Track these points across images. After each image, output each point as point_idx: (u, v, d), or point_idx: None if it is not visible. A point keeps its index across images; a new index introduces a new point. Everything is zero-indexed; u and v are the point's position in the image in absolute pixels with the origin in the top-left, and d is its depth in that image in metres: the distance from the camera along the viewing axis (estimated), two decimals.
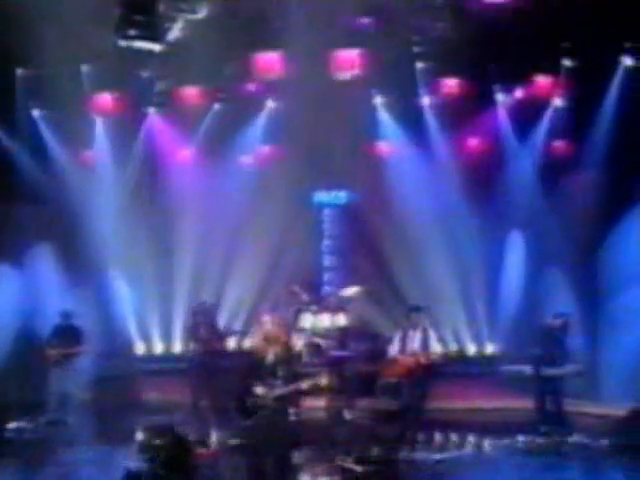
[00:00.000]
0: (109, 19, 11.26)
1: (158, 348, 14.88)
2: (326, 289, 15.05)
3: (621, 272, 12.15)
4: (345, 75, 11.97)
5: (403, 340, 9.92)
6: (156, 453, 7.58)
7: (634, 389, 11.36)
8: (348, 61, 11.77)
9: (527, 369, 10.48)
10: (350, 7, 11.00)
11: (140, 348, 14.79)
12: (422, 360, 9.69)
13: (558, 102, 13.93)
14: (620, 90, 13.28)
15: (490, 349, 14.26)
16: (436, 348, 9.89)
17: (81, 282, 13.30)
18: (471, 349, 14.27)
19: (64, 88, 12.94)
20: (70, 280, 13.29)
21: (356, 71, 11.92)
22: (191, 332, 11.00)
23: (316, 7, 10.98)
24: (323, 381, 7.46)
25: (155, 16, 9.53)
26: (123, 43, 9.66)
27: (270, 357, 7.39)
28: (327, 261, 15.64)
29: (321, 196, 15.72)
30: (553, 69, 13.45)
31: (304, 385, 7.31)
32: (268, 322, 7.49)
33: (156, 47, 9.94)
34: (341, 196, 15.68)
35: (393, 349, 10.01)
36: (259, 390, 7.19)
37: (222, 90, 13.71)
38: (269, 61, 11.95)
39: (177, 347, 14.74)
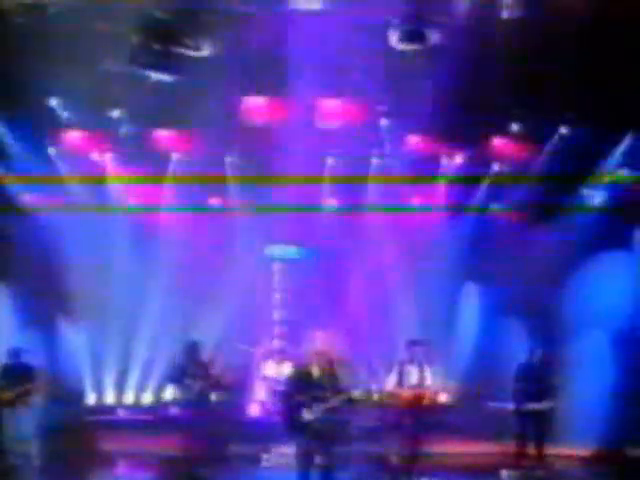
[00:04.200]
0: (85, 54, 11.44)
1: (110, 398, 14.35)
2: (277, 342, 15.15)
3: (578, 319, 12.95)
4: (332, 125, 12.41)
5: (401, 374, 10.14)
6: None
7: (591, 432, 11.99)
8: (335, 111, 12.21)
9: (510, 405, 10.86)
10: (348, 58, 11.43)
11: (91, 397, 14.23)
12: (421, 394, 9.94)
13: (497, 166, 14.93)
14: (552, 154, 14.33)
15: (443, 398, 14.54)
16: (433, 383, 10.15)
17: (35, 324, 12.95)
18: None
19: (33, 123, 12.80)
20: (24, 321, 12.94)
21: (343, 121, 12.39)
22: (183, 371, 10.73)
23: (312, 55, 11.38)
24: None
25: (173, 47, 9.69)
26: (139, 71, 9.72)
27: (317, 371, 7.52)
28: (277, 315, 15.69)
29: (273, 250, 15.86)
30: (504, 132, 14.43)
31: (355, 394, 7.47)
32: (320, 338, 7.67)
33: (167, 78, 10.05)
34: (293, 250, 15.88)
35: (391, 382, 10.21)
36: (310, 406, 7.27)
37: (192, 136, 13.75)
38: (259, 106, 12.24)
39: (130, 398, 14.38)
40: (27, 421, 11.07)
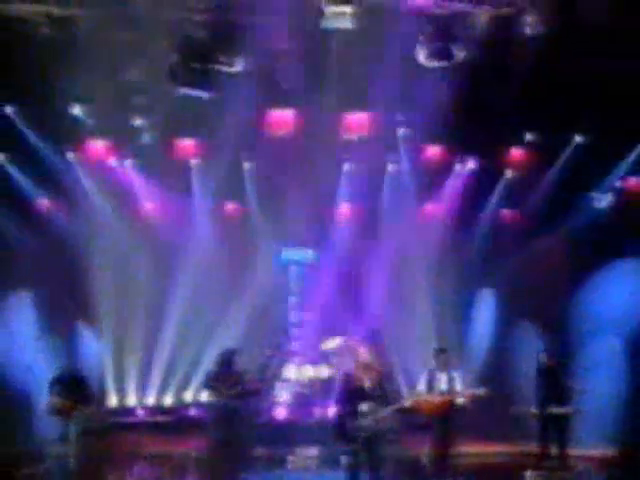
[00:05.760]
0: (108, 64, 11.63)
1: (132, 400, 14.62)
2: (293, 345, 15.44)
3: (589, 324, 13.40)
4: (352, 136, 12.71)
5: (430, 381, 10.51)
6: None
7: (604, 434, 12.40)
8: (357, 122, 12.52)
9: (531, 408, 11.22)
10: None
11: (113, 400, 14.51)
12: (450, 399, 10.31)
13: (510, 173, 15.26)
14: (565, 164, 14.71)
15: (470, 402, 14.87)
16: (462, 389, 10.50)
17: (56, 331, 13.24)
18: None
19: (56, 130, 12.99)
20: (45, 328, 13.25)
21: (363, 133, 12.69)
22: (217, 377, 11.02)
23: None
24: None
25: (210, 64, 9.93)
26: (178, 89, 9.97)
27: (367, 383, 7.95)
28: (293, 317, 15.97)
29: (288, 253, 16.13)
30: (518, 142, 14.76)
31: (406, 403, 7.97)
32: (365, 352, 8.09)
33: (205, 95, 10.30)
34: (308, 254, 16.15)
35: (420, 389, 10.58)
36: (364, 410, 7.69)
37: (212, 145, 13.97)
38: (281, 118, 12.51)
39: (151, 400, 14.66)
40: (65, 424, 11.35)
